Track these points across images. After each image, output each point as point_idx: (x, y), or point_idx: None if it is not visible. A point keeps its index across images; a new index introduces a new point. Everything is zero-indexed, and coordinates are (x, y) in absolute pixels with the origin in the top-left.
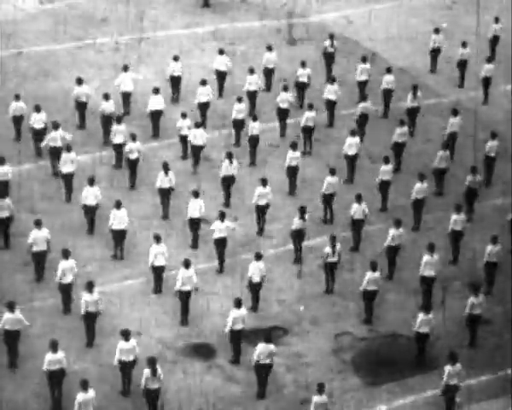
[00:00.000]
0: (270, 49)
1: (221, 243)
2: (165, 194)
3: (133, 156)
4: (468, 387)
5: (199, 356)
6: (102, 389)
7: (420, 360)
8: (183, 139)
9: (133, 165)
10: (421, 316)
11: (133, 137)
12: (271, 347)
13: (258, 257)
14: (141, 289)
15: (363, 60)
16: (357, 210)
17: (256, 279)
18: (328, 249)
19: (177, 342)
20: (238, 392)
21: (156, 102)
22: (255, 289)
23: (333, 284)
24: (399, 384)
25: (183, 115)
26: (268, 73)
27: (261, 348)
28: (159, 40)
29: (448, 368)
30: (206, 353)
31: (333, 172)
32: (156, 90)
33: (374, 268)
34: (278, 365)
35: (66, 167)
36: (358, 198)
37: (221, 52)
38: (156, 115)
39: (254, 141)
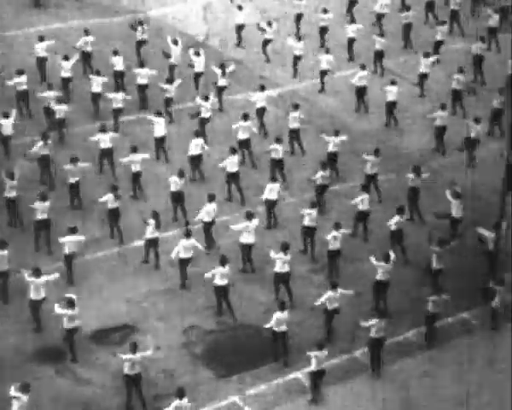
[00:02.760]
0: (86, 32)
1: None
2: None
3: None
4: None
5: (49, 360)
6: None
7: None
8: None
9: None
10: (279, 315)
11: None
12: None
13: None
14: None
15: (175, 42)
16: (208, 211)
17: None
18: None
19: (26, 347)
20: (90, 394)
21: None
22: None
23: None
24: (250, 374)
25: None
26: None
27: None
28: None
29: (315, 354)
30: (56, 356)
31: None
32: None
33: (223, 263)
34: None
35: None
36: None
37: (41, 38)
38: None
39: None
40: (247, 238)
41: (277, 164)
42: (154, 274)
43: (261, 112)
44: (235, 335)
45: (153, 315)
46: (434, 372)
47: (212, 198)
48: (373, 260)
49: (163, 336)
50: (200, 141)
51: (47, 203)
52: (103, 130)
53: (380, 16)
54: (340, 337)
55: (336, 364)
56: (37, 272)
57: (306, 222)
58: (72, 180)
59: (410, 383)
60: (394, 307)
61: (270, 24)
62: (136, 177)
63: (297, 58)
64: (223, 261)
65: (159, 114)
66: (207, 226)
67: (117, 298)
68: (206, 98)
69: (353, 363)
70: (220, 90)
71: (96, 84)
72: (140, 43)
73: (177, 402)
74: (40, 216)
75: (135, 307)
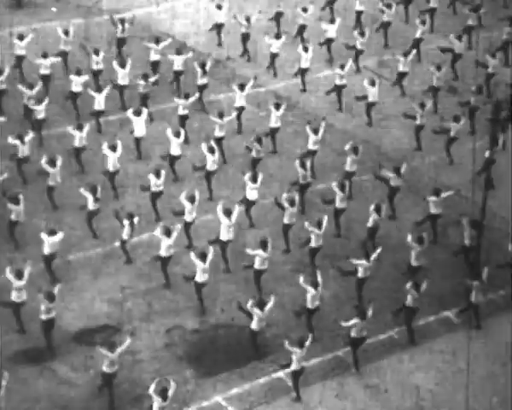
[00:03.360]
0: (66, 32)
1: None
2: None
3: None
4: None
5: (30, 361)
6: None
7: (253, 351)
8: None
9: None
10: (258, 313)
11: None
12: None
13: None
14: None
15: (156, 41)
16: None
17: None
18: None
19: (9, 348)
20: (72, 394)
21: None
22: None
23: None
24: (233, 373)
25: None
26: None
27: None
28: None
29: (297, 351)
30: (37, 357)
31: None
32: None
33: (204, 259)
34: None
35: None
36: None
37: (21, 37)
38: None
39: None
40: (226, 236)
41: (257, 163)
42: (136, 274)
43: (240, 110)
44: (218, 334)
45: (135, 316)
46: (416, 371)
47: (192, 199)
48: (354, 261)
49: (146, 337)
50: (180, 141)
51: (21, 205)
52: (80, 127)
53: (359, 13)
54: (323, 336)
55: (320, 362)
56: (18, 274)
57: (286, 220)
58: (52, 182)
59: (392, 381)
60: (378, 306)
61: (248, 19)
62: (113, 175)
63: (274, 56)
64: (203, 257)
65: (137, 113)
66: (188, 226)
67: (99, 299)
68: (187, 96)
69: (337, 362)
70: (201, 89)
71: (76, 83)
72: (120, 41)
73: (160, 401)
74: (14, 217)
75: (117, 307)
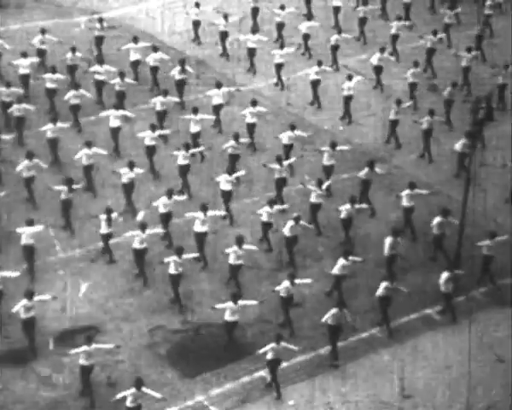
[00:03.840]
0: (43, 31)
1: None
2: None
3: None
4: (284, 369)
5: (12, 362)
6: None
7: (230, 348)
8: None
9: None
10: (230, 305)
11: None
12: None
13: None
14: None
15: (135, 40)
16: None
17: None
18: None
19: None
20: (54, 396)
21: None
22: None
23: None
24: (215, 373)
25: None
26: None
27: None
28: None
29: (272, 346)
30: (19, 358)
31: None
32: None
33: (179, 253)
34: None
35: None
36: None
37: None
38: None
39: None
40: (200, 228)
41: (236, 159)
42: (117, 274)
43: (218, 108)
44: (200, 334)
45: (117, 316)
46: (399, 369)
47: (170, 194)
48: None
49: (127, 337)
50: (155, 135)
51: None
52: (54, 120)
53: (336, 9)
54: (305, 335)
55: (302, 361)
56: None
57: (264, 218)
58: (27, 175)
59: (374, 379)
60: (360, 304)
61: (226, 17)
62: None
63: (251, 51)
64: (178, 251)
65: (115, 107)
66: (164, 218)
67: (81, 299)
68: (165, 93)
69: (321, 360)
70: (179, 85)
71: (50, 81)
72: (98, 40)
73: (133, 391)
74: None
75: (99, 307)
